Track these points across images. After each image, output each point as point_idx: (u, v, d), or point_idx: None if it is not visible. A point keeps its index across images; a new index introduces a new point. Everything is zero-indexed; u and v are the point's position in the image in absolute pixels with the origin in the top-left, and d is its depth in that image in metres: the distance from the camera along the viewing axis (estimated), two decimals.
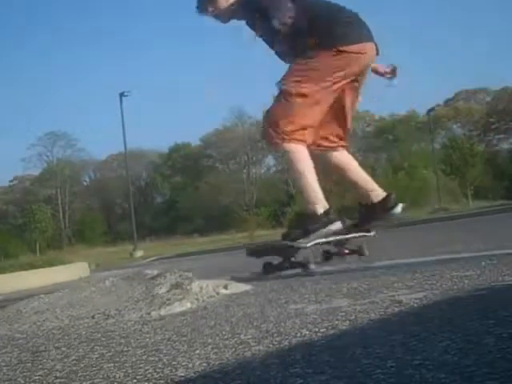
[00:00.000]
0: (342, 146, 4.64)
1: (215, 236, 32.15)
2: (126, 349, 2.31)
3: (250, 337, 2.19)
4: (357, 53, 4.22)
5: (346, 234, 4.49)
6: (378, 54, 4.44)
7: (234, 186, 49.60)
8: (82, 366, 2.09)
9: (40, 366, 2.19)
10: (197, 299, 3.44)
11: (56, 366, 2.16)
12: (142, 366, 1.96)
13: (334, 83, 4.24)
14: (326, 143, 4.59)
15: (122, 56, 74.31)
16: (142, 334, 2.65)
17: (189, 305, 3.33)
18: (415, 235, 9.73)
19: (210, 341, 2.23)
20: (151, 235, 39.79)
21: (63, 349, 2.50)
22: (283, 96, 4.32)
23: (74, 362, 2.19)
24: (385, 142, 53.24)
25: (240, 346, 2.05)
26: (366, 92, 4.63)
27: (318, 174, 4.26)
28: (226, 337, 2.26)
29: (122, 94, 27.39)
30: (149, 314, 3.21)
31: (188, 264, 10.33)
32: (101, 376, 1.89)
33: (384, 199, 4.47)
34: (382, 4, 70.97)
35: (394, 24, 71.14)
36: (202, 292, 3.56)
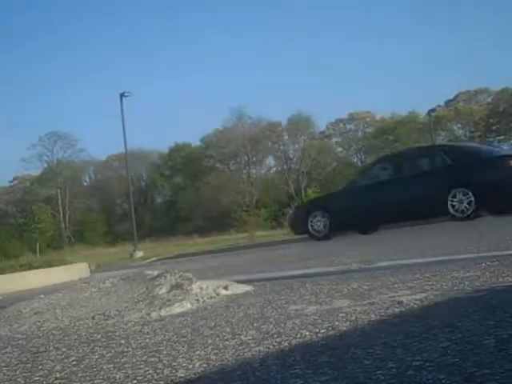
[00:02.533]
0: None
1: (215, 236, 32.14)
2: (126, 349, 2.31)
3: (250, 338, 2.19)
4: None
5: None
6: None
7: (234, 186, 49.60)
8: (82, 366, 2.09)
9: (40, 367, 2.19)
10: (197, 300, 3.44)
11: (56, 366, 2.16)
12: (142, 366, 1.96)
13: None
14: None
15: (123, 56, 74.50)
16: (142, 334, 2.65)
17: (189, 305, 3.33)
18: (415, 236, 9.71)
19: (210, 342, 2.23)
20: (151, 236, 39.78)
21: (63, 349, 2.50)
22: None
23: (74, 362, 2.19)
24: (385, 143, 53.29)
25: (240, 347, 2.04)
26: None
27: None
28: (226, 338, 2.26)
29: (122, 95, 27.36)
30: (149, 314, 3.21)
31: (188, 265, 10.32)
32: (101, 377, 1.89)
33: None
34: (382, 4, 71.06)
35: (394, 24, 71.23)
36: (202, 293, 3.56)
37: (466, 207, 10.10)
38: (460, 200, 10.11)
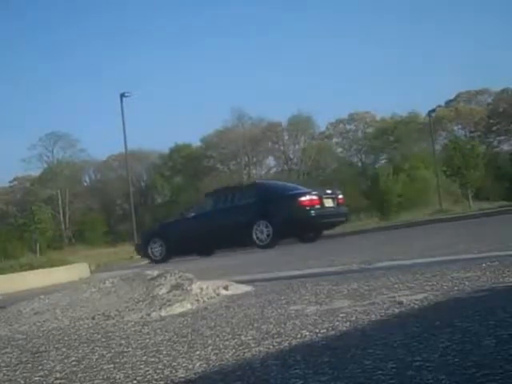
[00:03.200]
0: None
1: None
2: (126, 350, 2.31)
3: (250, 338, 2.19)
4: None
5: None
6: None
7: None
8: (82, 366, 2.09)
9: (40, 367, 2.18)
10: (197, 300, 3.43)
11: (56, 366, 2.15)
12: (142, 366, 1.96)
13: None
14: None
15: (123, 56, 74.62)
16: (142, 334, 2.64)
17: (189, 306, 3.33)
18: (416, 236, 9.72)
19: (210, 342, 2.23)
20: None
21: (63, 349, 2.50)
22: None
23: (74, 362, 2.19)
24: (385, 143, 53.29)
25: (240, 347, 2.04)
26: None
27: None
28: (226, 338, 2.26)
29: (122, 95, 27.36)
30: (149, 314, 3.21)
31: (188, 265, 10.32)
32: (101, 377, 1.89)
33: None
34: (382, 4, 71.12)
35: (394, 24, 71.26)
36: (202, 293, 3.56)
37: (266, 237, 11.72)
38: (261, 231, 11.77)
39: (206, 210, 13.14)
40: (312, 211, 11.67)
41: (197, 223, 12.79)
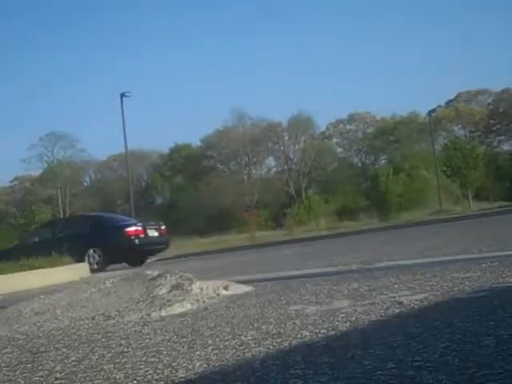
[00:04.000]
0: None
1: (216, 237, 32.05)
2: (126, 350, 2.31)
3: (250, 338, 2.19)
4: None
5: None
6: None
7: (235, 186, 49.58)
8: (83, 367, 2.09)
9: (40, 367, 2.18)
10: (197, 300, 3.44)
11: (56, 366, 2.16)
12: (142, 367, 1.96)
13: None
14: None
15: (123, 56, 74.62)
16: (143, 335, 2.64)
17: (189, 306, 3.33)
18: (416, 236, 9.73)
19: (210, 342, 2.23)
20: None
21: (63, 350, 2.50)
22: None
23: (75, 363, 2.19)
24: (386, 143, 53.26)
25: (240, 348, 2.04)
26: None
27: None
28: (226, 338, 2.26)
29: (122, 95, 27.39)
30: (149, 315, 3.21)
31: (188, 265, 10.32)
32: (101, 377, 1.89)
33: None
34: (382, 4, 71.18)
35: (395, 24, 71.22)
36: (202, 293, 3.56)
37: (97, 262, 13.58)
38: (93, 256, 13.62)
39: (48, 236, 14.76)
40: (136, 240, 13.64)
41: (40, 247, 14.28)
